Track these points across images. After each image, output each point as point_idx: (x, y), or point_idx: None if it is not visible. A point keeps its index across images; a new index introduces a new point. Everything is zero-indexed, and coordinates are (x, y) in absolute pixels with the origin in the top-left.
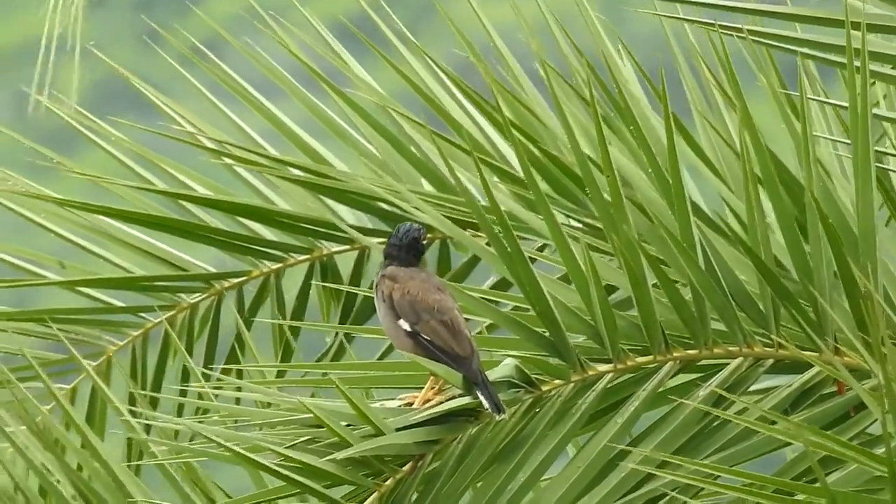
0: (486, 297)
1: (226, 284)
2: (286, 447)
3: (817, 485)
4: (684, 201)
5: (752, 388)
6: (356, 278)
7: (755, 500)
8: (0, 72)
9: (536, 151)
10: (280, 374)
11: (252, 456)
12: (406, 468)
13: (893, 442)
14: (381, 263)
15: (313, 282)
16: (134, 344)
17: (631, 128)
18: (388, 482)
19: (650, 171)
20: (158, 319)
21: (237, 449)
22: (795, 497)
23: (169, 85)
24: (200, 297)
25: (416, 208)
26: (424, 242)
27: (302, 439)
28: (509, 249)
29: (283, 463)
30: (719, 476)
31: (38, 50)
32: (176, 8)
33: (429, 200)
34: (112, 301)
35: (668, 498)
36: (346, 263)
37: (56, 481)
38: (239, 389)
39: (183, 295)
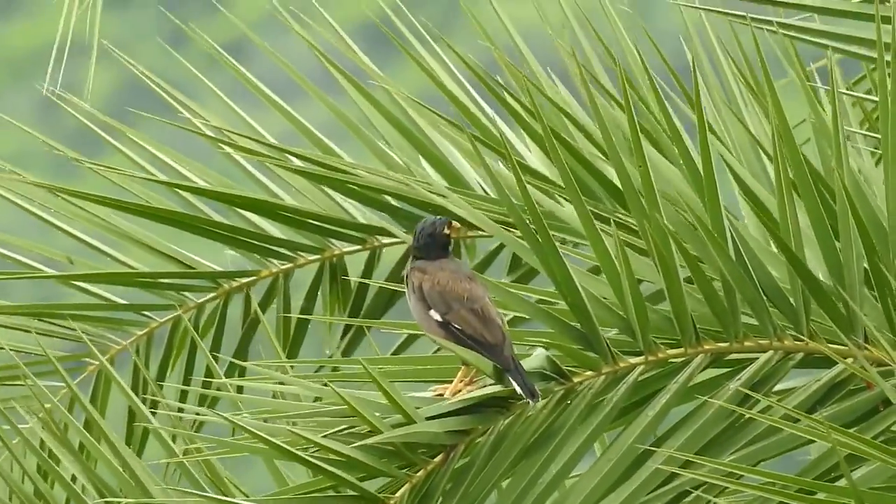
0: (516, 289)
1: (234, 284)
2: (322, 436)
3: (841, 483)
4: (716, 193)
5: (783, 385)
6: (366, 277)
7: (779, 499)
8: (23, 74)
9: (573, 158)
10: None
11: (288, 447)
12: (437, 459)
13: None
14: (410, 259)
15: (322, 286)
16: (138, 343)
17: (663, 122)
18: (419, 473)
19: (681, 162)
20: (165, 318)
21: (275, 441)
22: (818, 496)
23: (193, 85)
24: (207, 298)
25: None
26: (447, 232)
27: (336, 429)
28: (542, 242)
29: (316, 454)
30: (742, 476)
31: (63, 51)
32: (204, 7)
33: (458, 197)
34: (116, 299)
35: (694, 495)
36: (355, 266)
37: (72, 478)
38: (267, 383)
39: (189, 294)
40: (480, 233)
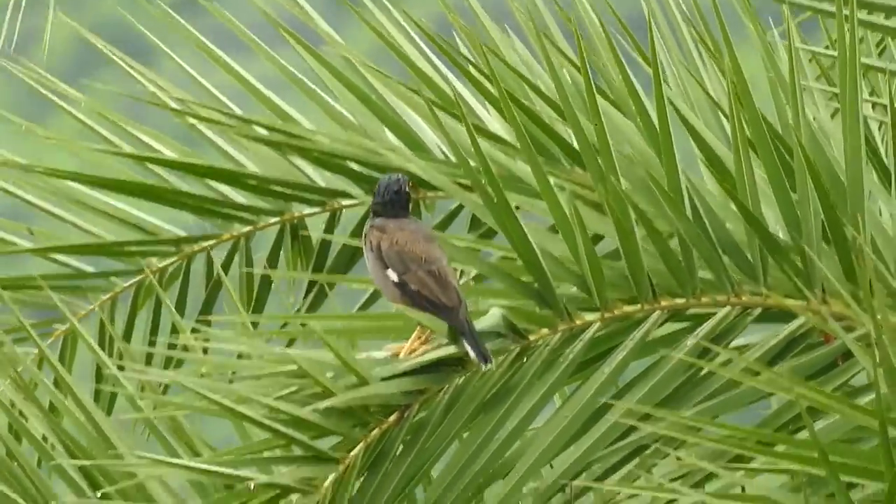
0: (473, 246)
1: (195, 248)
2: (274, 398)
3: (801, 436)
4: (671, 149)
5: (740, 340)
6: (326, 241)
7: (738, 451)
8: None
9: (528, 119)
10: (255, 328)
11: (238, 408)
12: (392, 419)
13: (882, 391)
14: (370, 217)
15: (283, 248)
16: (104, 307)
17: (619, 77)
18: (374, 433)
19: (637, 119)
20: (128, 283)
21: (224, 402)
22: (777, 448)
23: (150, 39)
24: (169, 262)
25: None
26: (408, 191)
27: (287, 391)
28: (495, 199)
29: (269, 415)
30: (701, 430)
31: (19, 4)
32: None
33: (409, 159)
34: (80, 266)
35: (653, 448)
36: (316, 227)
37: (42, 438)
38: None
39: (153, 259)
40: (440, 193)
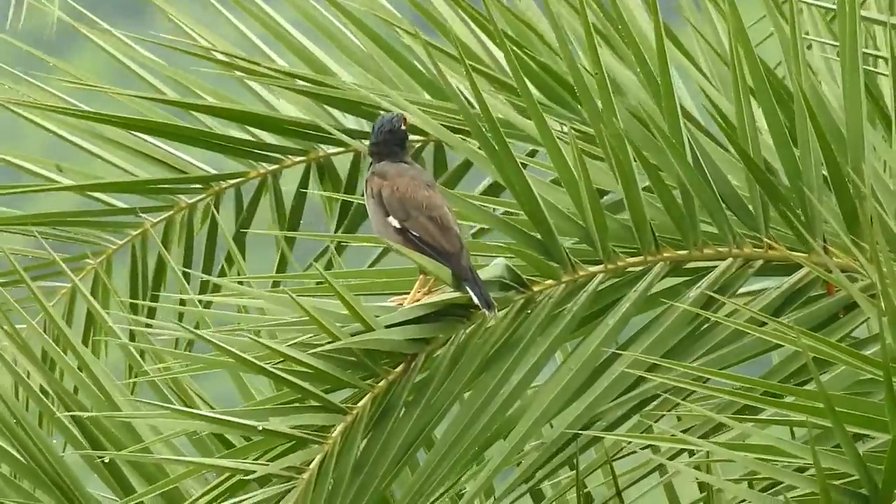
0: (478, 201)
1: (224, 185)
2: (286, 347)
3: (809, 387)
4: (673, 101)
5: (742, 290)
6: (353, 179)
7: (745, 401)
8: None
9: (526, 58)
10: (276, 283)
11: (249, 358)
12: (399, 369)
13: (887, 342)
14: (370, 162)
15: (311, 184)
16: (134, 243)
17: (619, 27)
18: (381, 384)
19: (639, 71)
20: (158, 219)
21: (235, 351)
22: (785, 399)
23: None
24: (199, 198)
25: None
26: (404, 129)
27: (295, 340)
28: (499, 151)
29: (278, 366)
30: (709, 379)
31: None
32: None
33: (424, 109)
34: (111, 202)
35: (659, 400)
36: (343, 165)
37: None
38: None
39: (182, 196)
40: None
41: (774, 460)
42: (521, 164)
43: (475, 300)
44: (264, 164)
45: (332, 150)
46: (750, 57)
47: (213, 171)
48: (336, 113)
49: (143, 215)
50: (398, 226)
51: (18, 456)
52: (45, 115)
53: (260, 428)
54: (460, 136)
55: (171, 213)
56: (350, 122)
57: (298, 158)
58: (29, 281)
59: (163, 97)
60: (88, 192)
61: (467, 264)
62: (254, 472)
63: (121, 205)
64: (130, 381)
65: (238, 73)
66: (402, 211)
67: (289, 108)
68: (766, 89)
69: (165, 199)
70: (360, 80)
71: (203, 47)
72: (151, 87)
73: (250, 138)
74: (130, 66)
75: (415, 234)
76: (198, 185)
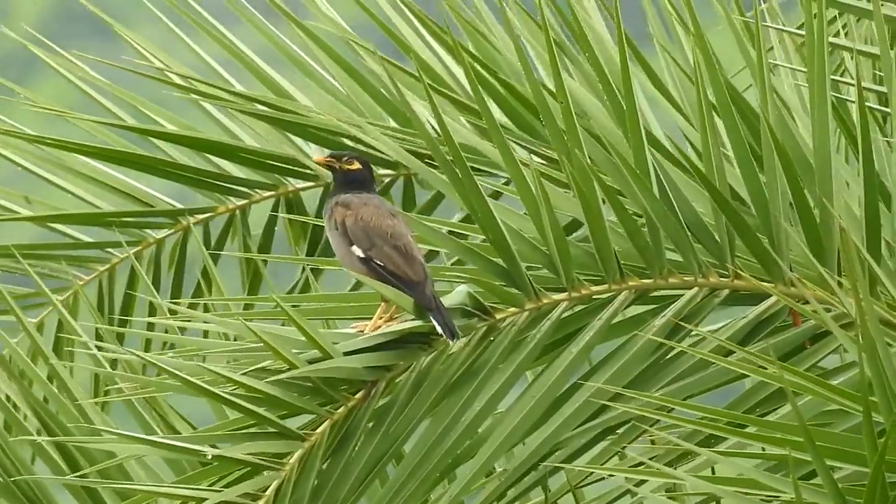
0: (445, 228)
1: (192, 220)
2: (241, 374)
3: (771, 418)
4: (638, 128)
5: (708, 325)
6: (322, 214)
7: (710, 431)
8: None
9: (492, 80)
10: (247, 308)
11: (206, 387)
12: (358, 396)
13: (855, 372)
14: (330, 193)
15: (280, 216)
16: (101, 279)
17: (586, 54)
18: (340, 410)
19: (605, 98)
20: (125, 254)
21: (192, 380)
22: (747, 430)
23: (129, 8)
24: (167, 233)
25: (375, 141)
26: (355, 167)
27: (253, 367)
28: (462, 177)
29: (237, 392)
30: (673, 409)
31: None
32: None
33: (389, 134)
34: (78, 236)
35: (625, 428)
36: (311, 200)
37: (23, 416)
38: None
39: (149, 231)
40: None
41: (742, 492)
42: (495, 192)
43: (439, 329)
44: (232, 199)
45: (302, 184)
46: (716, 81)
47: (180, 206)
48: (301, 144)
49: (111, 250)
50: (362, 255)
51: None
52: (7, 145)
53: (209, 456)
54: (426, 160)
55: (140, 248)
56: (315, 152)
57: (267, 193)
58: None
59: (122, 123)
60: (53, 226)
61: (431, 293)
62: (206, 499)
63: (87, 239)
64: (96, 400)
65: (194, 96)
66: (367, 240)
67: (255, 139)
68: (731, 111)
69: (133, 234)
70: (324, 107)
71: (160, 69)
72: (113, 114)
73: (214, 170)
74: (89, 92)
75: (379, 262)
76: (165, 220)
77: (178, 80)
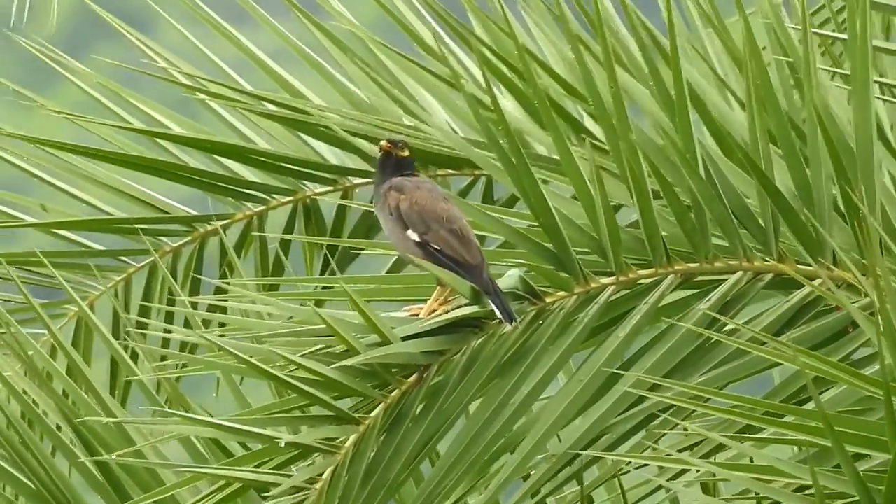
0: (493, 212)
1: (209, 228)
2: (300, 355)
3: (808, 406)
4: (686, 112)
5: (752, 307)
6: (340, 220)
7: (746, 421)
8: None
9: (536, 65)
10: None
11: (263, 366)
12: (412, 379)
13: (886, 362)
14: (378, 180)
15: (296, 228)
16: (117, 289)
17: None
18: (393, 393)
19: (652, 85)
20: (142, 263)
21: (250, 359)
22: (785, 419)
23: (147, 12)
24: (183, 241)
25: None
26: (406, 154)
27: (312, 349)
28: (516, 162)
29: (290, 374)
30: (709, 399)
31: None
32: None
33: (404, 133)
34: (93, 245)
35: (663, 416)
36: (329, 207)
37: (55, 425)
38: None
39: (165, 239)
40: (451, 171)
41: (773, 479)
42: (542, 179)
43: (497, 313)
44: (249, 205)
45: (319, 188)
46: (762, 72)
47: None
48: (320, 148)
49: (126, 259)
50: (418, 239)
51: (25, 479)
52: (22, 153)
53: (283, 444)
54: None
55: (156, 256)
56: (334, 159)
57: (286, 199)
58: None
59: (129, 126)
60: (66, 234)
61: (488, 276)
62: (268, 482)
63: (99, 247)
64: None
65: (201, 96)
66: (422, 224)
67: (272, 143)
68: (777, 107)
69: (148, 242)
70: (342, 109)
71: (164, 68)
72: (122, 119)
73: (227, 174)
74: (100, 99)
75: (435, 247)
76: (182, 227)
77: (186, 81)
